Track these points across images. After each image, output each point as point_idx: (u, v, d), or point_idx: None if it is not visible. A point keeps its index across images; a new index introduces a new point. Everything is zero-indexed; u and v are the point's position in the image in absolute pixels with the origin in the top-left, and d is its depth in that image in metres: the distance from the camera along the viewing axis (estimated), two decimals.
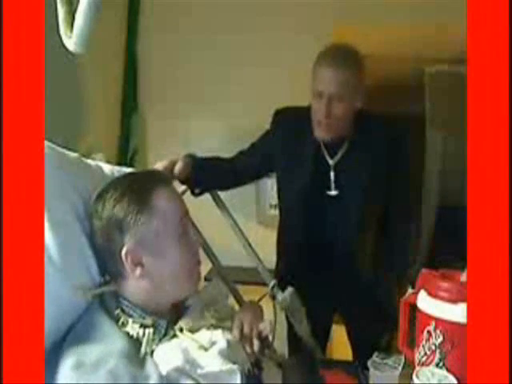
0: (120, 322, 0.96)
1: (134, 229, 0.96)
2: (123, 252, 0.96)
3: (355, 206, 1.61)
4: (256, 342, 1.03)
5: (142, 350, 0.93)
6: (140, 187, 1.00)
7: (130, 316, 0.98)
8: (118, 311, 0.98)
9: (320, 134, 1.56)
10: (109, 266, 1.01)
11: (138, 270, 0.98)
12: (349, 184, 1.60)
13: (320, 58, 1.53)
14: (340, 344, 2.00)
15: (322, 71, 1.50)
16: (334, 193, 1.62)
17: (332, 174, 1.61)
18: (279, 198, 1.76)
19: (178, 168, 1.48)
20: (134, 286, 1.00)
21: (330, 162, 1.61)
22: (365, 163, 1.59)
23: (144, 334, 0.94)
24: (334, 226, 1.64)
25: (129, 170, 1.31)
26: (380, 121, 1.64)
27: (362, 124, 1.58)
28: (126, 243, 0.96)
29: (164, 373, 0.89)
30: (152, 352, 0.94)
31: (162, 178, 1.08)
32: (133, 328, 0.95)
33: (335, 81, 1.48)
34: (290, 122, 1.67)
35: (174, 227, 1.00)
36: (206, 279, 2.06)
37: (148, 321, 0.97)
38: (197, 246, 1.08)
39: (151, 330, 0.95)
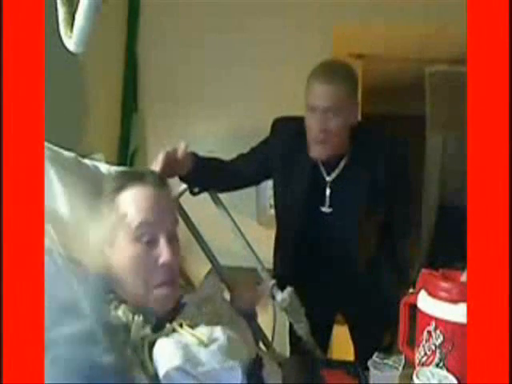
0: (112, 305, 0.95)
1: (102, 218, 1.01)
2: None
3: (349, 223, 1.60)
4: (263, 298, 1.13)
5: (132, 335, 0.92)
6: (119, 183, 1.04)
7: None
8: (111, 296, 0.97)
9: (315, 152, 1.53)
10: None
11: (107, 249, 1.01)
12: (344, 202, 1.58)
13: (313, 73, 1.50)
14: (340, 344, 2.00)
15: (316, 86, 1.47)
16: (328, 210, 1.60)
17: (328, 191, 1.59)
18: (275, 206, 1.76)
19: (180, 158, 1.42)
20: None
21: (327, 178, 1.59)
22: (363, 181, 1.56)
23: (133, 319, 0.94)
24: (331, 236, 1.63)
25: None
26: (379, 136, 1.62)
27: (361, 140, 1.55)
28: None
29: (164, 371, 0.89)
30: (144, 340, 0.94)
31: (142, 179, 1.04)
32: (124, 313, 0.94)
33: (329, 95, 1.45)
34: (289, 134, 1.63)
35: (130, 225, 0.98)
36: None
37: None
38: (165, 263, 0.99)
39: (141, 317, 0.95)
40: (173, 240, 1.02)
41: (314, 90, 1.48)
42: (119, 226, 1.00)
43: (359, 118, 1.58)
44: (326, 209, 1.60)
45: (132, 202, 1.00)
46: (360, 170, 1.56)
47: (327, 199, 1.59)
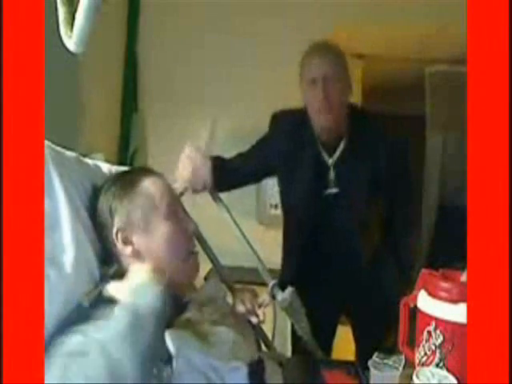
0: None
1: (121, 210, 1.05)
2: (114, 231, 1.04)
3: (357, 202, 1.62)
4: (261, 312, 1.19)
5: None
6: (128, 176, 1.12)
7: None
8: None
9: (321, 121, 1.56)
10: (107, 258, 1.06)
11: (129, 249, 1.03)
12: (349, 181, 1.61)
13: (307, 53, 1.59)
14: (341, 344, 2.00)
15: (312, 59, 1.56)
16: (334, 191, 1.62)
17: (331, 173, 1.62)
18: (281, 200, 1.77)
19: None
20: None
21: (329, 161, 1.62)
22: (364, 160, 1.59)
23: None
24: (336, 224, 1.64)
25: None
26: (376, 119, 1.67)
27: (358, 122, 1.60)
28: (116, 224, 1.04)
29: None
30: None
31: (150, 171, 1.13)
32: None
33: (326, 64, 1.54)
34: (288, 125, 1.67)
35: (160, 206, 1.06)
36: (205, 279, 2.07)
37: None
38: (190, 232, 1.11)
39: None
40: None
41: (313, 63, 1.56)
42: (150, 209, 1.05)
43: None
44: (331, 190, 1.63)
45: (155, 188, 1.08)
46: (360, 150, 1.60)
47: (332, 181, 1.62)
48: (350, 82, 1.61)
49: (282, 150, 1.66)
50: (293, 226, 1.74)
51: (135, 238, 1.04)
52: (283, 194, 1.75)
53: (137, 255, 1.03)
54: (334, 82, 1.53)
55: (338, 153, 1.61)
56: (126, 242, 1.04)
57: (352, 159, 1.60)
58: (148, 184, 1.08)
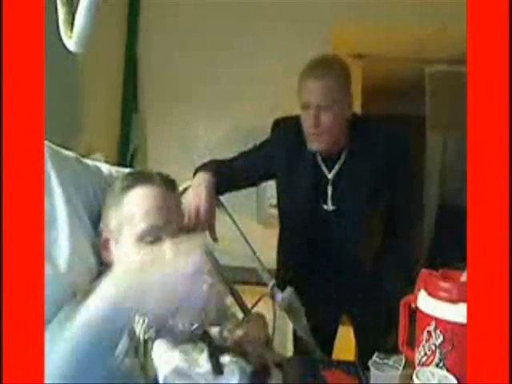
0: None
1: (104, 212, 1.05)
2: (98, 230, 1.05)
3: (354, 219, 1.60)
4: (269, 356, 1.06)
5: (137, 337, 0.92)
6: (129, 178, 1.07)
7: None
8: None
9: (312, 145, 1.54)
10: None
11: (105, 253, 1.03)
12: (346, 199, 1.59)
13: (304, 71, 1.52)
14: (341, 344, 2.00)
15: (307, 82, 1.49)
16: (331, 208, 1.60)
17: (330, 189, 1.60)
18: (278, 206, 1.76)
19: None
20: None
21: (329, 175, 1.59)
22: (364, 174, 1.56)
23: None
24: (334, 233, 1.63)
25: (127, 170, 1.31)
26: (379, 127, 1.62)
27: (360, 132, 1.56)
28: (101, 224, 1.06)
29: (163, 371, 0.89)
30: (147, 342, 0.94)
31: (151, 179, 1.04)
32: None
33: (320, 90, 1.47)
34: (289, 133, 1.64)
35: (137, 224, 0.98)
36: None
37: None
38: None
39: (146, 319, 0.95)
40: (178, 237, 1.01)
41: (306, 88, 1.50)
42: (125, 224, 1.00)
43: (353, 111, 1.59)
44: (328, 207, 1.60)
45: (139, 202, 1.01)
46: (361, 162, 1.56)
47: (329, 197, 1.60)
48: (350, 101, 1.55)
49: (281, 158, 1.64)
50: (289, 231, 1.73)
51: (111, 245, 1.03)
52: (280, 200, 1.74)
53: (111, 262, 1.02)
54: (328, 108, 1.47)
55: (337, 166, 1.58)
56: (105, 245, 1.03)
57: (352, 172, 1.57)
58: (135, 195, 1.01)
